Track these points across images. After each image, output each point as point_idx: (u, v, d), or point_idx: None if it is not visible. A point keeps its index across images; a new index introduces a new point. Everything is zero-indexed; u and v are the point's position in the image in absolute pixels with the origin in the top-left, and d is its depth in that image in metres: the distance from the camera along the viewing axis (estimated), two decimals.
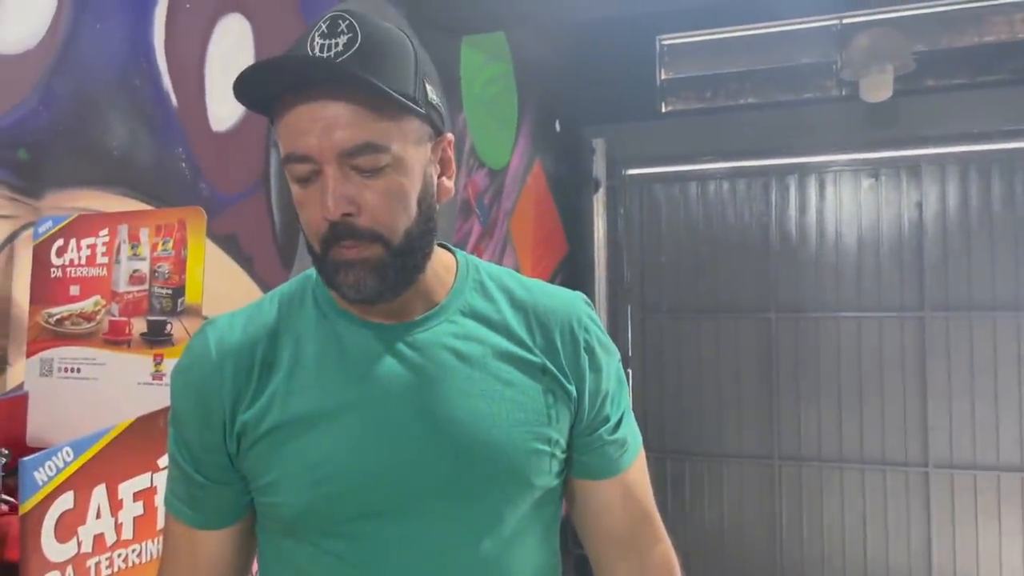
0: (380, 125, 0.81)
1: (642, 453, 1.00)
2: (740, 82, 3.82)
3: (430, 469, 0.85)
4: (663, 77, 3.92)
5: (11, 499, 1.07)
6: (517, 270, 3.48)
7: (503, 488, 0.87)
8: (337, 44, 0.80)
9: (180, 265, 1.12)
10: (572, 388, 0.91)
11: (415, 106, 0.82)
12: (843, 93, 3.64)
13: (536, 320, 0.93)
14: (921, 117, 3.56)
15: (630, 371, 3.82)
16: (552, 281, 3.57)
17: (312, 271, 0.93)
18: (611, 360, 0.96)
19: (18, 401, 1.22)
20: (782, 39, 3.73)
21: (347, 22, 0.81)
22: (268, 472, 0.87)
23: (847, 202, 3.82)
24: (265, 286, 1.79)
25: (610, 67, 3.90)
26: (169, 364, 1.09)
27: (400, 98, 0.80)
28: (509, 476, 0.87)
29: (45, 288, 1.23)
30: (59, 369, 1.21)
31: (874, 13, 3.51)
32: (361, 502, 0.85)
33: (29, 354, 1.23)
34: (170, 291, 1.12)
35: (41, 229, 1.25)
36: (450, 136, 0.90)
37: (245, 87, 0.79)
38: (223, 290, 1.65)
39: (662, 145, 4.01)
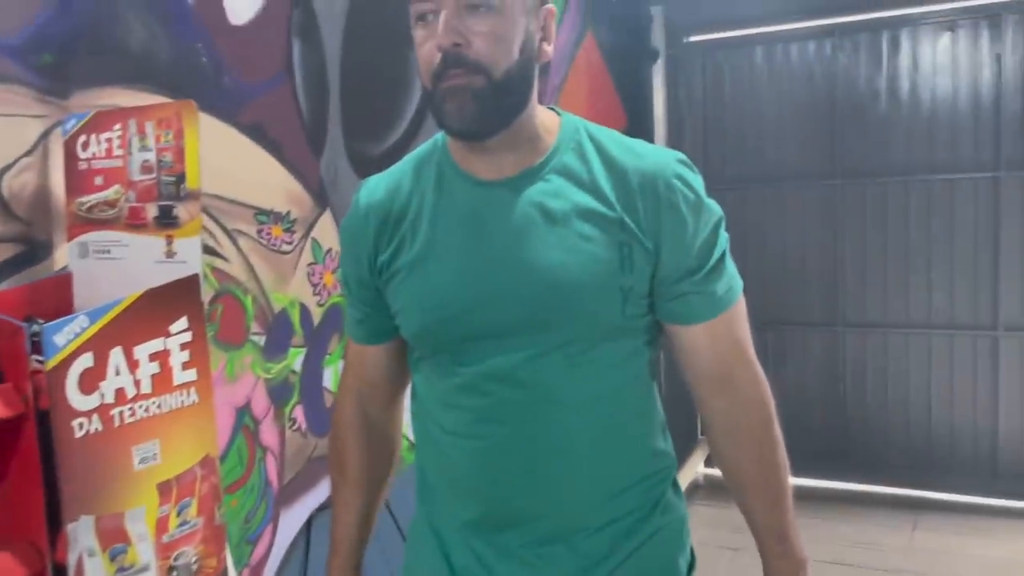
0: None
1: (739, 303, 1.11)
2: None
3: (511, 304, 1.02)
4: None
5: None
6: None
7: (572, 322, 1.03)
8: None
9: (180, 154, 1.25)
10: (649, 243, 1.03)
11: None
12: None
13: (623, 179, 1.04)
14: None
15: None
16: None
17: (439, 136, 1.13)
18: (700, 217, 1.06)
19: (64, 279, 1.40)
20: None
21: None
22: (397, 301, 1.10)
23: (921, 59, 3.62)
24: (296, 171, 1.91)
25: None
26: (178, 244, 1.24)
27: None
28: (577, 312, 1.02)
29: (75, 180, 1.38)
30: (93, 251, 1.38)
31: None
32: (460, 327, 1.05)
33: (69, 239, 1.40)
34: (174, 178, 1.25)
35: (68, 126, 1.38)
36: (552, 7, 1.05)
37: None
38: (254, 178, 1.78)
39: (724, 9, 3.86)
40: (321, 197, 1.95)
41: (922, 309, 3.71)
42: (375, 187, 1.14)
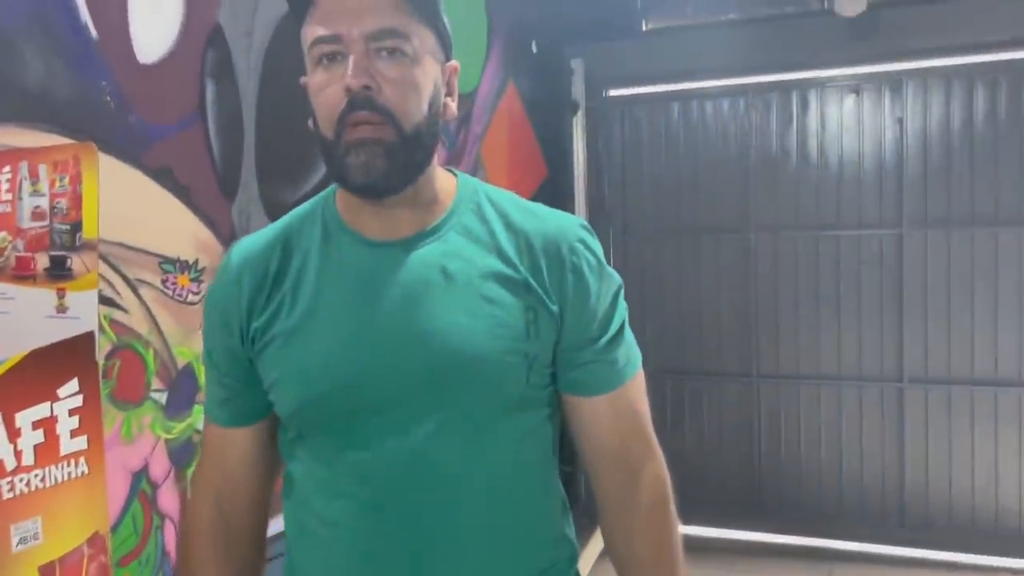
0: (405, 20, 0.90)
1: (639, 375, 1.05)
2: None
3: (407, 373, 0.93)
4: None
5: None
6: None
7: (474, 392, 0.94)
8: None
9: (77, 201, 1.15)
10: (555, 307, 0.97)
11: (436, 21, 0.94)
12: (825, 6, 3.54)
13: (526, 241, 0.99)
14: (902, 30, 3.48)
15: None
16: None
17: (326, 192, 1.04)
18: (602, 283, 1.01)
19: None
20: None
21: None
22: (272, 372, 0.98)
23: (828, 119, 3.76)
24: (205, 217, 1.81)
25: None
26: (72, 298, 1.13)
27: (427, 6, 0.92)
28: (479, 381, 0.94)
29: None
30: None
31: None
32: (346, 399, 0.94)
33: None
34: (68, 227, 1.15)
35: None
36: (456, 64, 0.99)
37: None
38: (159, 224, 1.67)
39: (643, 65, 3.94)
40: (232, 244, 1.85)
41: (832, 361, 3.80)
42: (249, 247, 1.03)
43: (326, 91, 0.92)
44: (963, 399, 3.60)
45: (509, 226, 1.00)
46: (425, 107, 0.93)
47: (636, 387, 1.05)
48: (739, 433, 3.96)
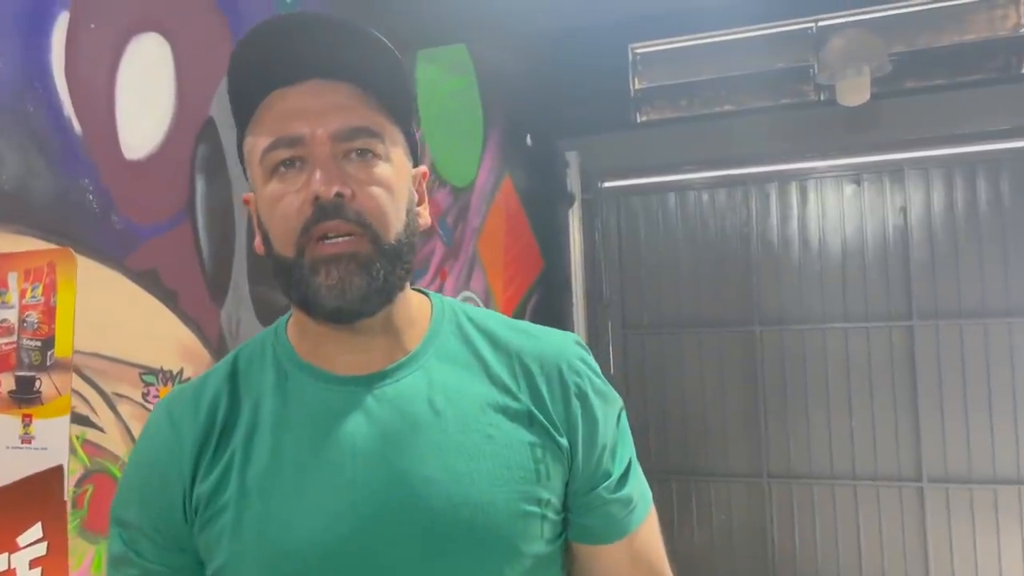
0: (376, 117, 0.79)
1: (652, 511, 0.90)
2: (716, 89, 3.72)
3: (403, 540, 0.75)
4: (637, 87, 3.81)
5: None
6: (486, 290, 3.31)
7: (487, 558, 0.77)
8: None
9: (50, 314, 1.00)
10: (563, 440, 0.82)
11: (408, 122, 0.82)
12: (821, 98, 3.53)
13: (520, 364, 0.84)
14: (902, 120, 3.46)
15: None
16: (528, 299, 3.45)
17: (273, 326, 0.86)
18: (609, 408, 0.87)
19: None
20: (757, 44, 3.63)
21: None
22: (221, 552, 0.77)
23: (830, 209, 3.71)
24: (192, 323, 1.67)
25: (582, 78, 3.81)
26: (39, 425, 0.97)
27: (401, 104, 0.80)
28: (493, 543, 0.77)
29: None
30: None
31: (850, 15, 3.40)
32: None
33: None
34: (39, 343, 1.00)
35: None
36: (425, 169, 0.87)
37: (246, 67, 0.77)
38: (142, 331, 1.53)
39: (638, 156, 3.90)
40: (220, 352, 1.71)
41: (846, 459, 3.64)
42: (186, 400, 0.84)
43: (284, 201, 0.76)
44: (986, 499, 3.44)
45: (497, 347, 0.85)
46: (403, 214, 0.79)
47: (652, 526, 0.90)
48: (751, 536, 3.76)
